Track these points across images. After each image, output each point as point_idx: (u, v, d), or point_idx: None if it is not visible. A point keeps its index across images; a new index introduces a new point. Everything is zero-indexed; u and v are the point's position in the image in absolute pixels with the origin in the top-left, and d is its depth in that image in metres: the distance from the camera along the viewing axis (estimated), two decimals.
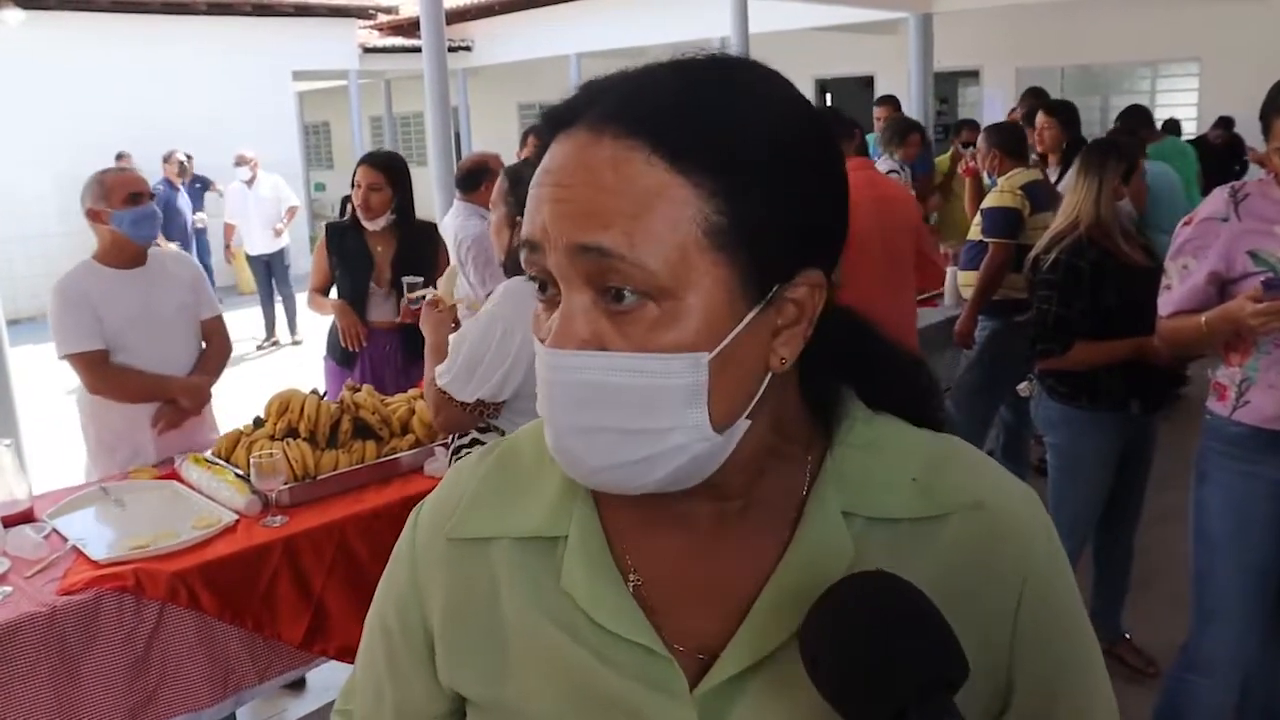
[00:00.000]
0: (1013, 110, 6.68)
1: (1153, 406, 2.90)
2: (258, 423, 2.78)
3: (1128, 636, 3.17)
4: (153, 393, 2.87)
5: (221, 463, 2.65)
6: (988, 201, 4.09)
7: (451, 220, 4.34)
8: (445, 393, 2.17)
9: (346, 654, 2.40)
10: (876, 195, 3.46)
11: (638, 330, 0.59)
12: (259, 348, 8.80)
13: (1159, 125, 6.83)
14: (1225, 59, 10.68)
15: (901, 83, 9.44)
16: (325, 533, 2.41)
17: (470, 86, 15.67)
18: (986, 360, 4.06)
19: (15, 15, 9.99)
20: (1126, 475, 2.99)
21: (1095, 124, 11.09)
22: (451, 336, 2.35)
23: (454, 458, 2.36)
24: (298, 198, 9.36)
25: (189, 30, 11.89)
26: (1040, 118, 4.70)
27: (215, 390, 3.05)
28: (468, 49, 14.75)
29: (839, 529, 0.67)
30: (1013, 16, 11.02)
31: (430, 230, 3.77)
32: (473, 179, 4.35)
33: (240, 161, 8.68)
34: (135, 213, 2.79)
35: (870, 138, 5.83)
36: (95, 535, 2.36)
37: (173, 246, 8.13)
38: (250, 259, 8.88)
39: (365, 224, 3.54)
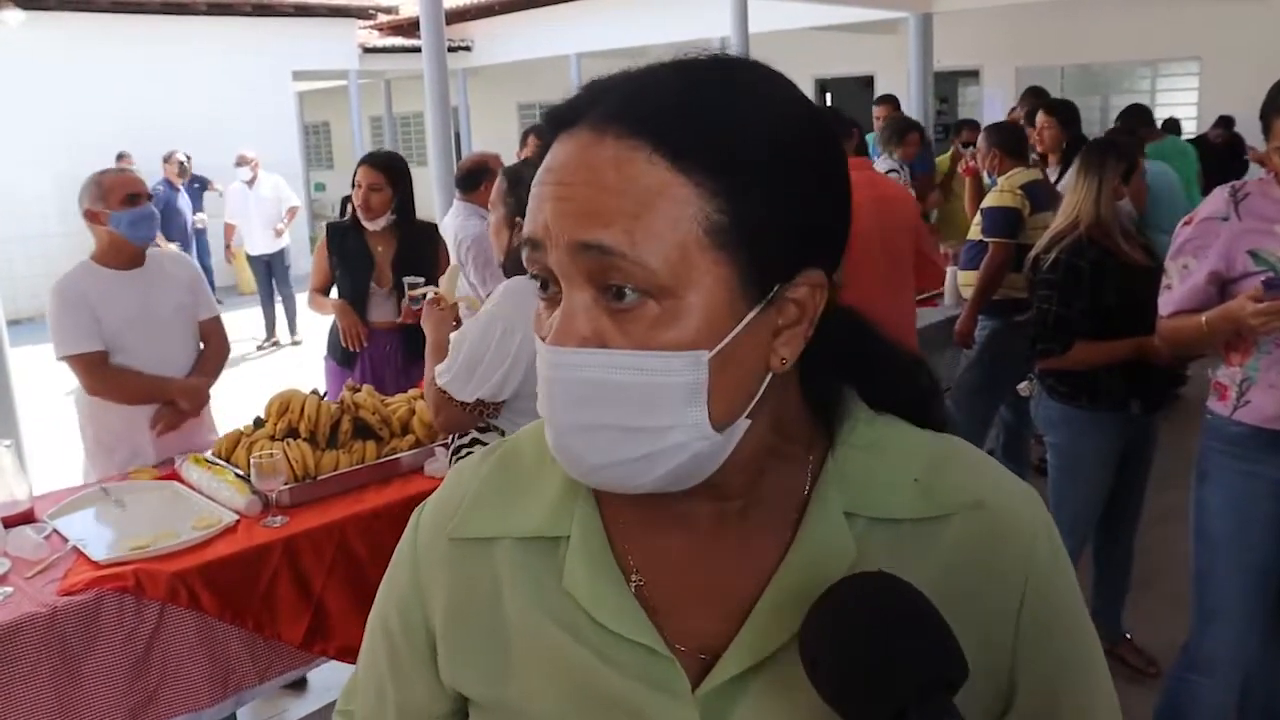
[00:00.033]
0: (1013, 110, 6.68)
1: (1153, 406, 2.90)
2: (258, 423, 2.78)
3: (1128, 636, 3.17)
4: (152, 394, 2.87)
5: (222, 463, 2.65)
6: (988, 201, 4.09)
7: (451, 220, 4.34)
8: (445, 392, 2.17)
9: (346, 654, 2.40)
10: (876, 195, 3.46)
11: (638, 328, 0.59)
12: (259, 348, 8.80)
13: (1159, 125, 6.82)
14: (1225, 58, 10.68)
15: (901, 82, 9.44)
16: (325, 533, 2.41)
17: (470, 86, 15.67)
18: (987, 360, 4.06)
19: (15, 16, 9.99)
20: (1127, 475, 2.99)
21: (1095, 123, 11.09)
22: (451, 336, 2.35)
23: (454, 458, 2.36)
24: (298, 198, 9.36)
25: (189, 30, 11.89)
26: (1040, 117, 4.70)
27: (214, 391, 3.05)
28: (468, 49, 14.75)
29: (841, 529, 0.67)
30: (1012, 16, 11.02)
31: (431, 230, 3.77)
32: (472, 179, 4.35)
33: (241, 161, 8.68)
34: (133, 214, 2.79)
35: (869, 137, 5.83)
36: (96, 536, 2.36)
37: (173, 247, 8.14)
38: (251, 259, 8.89)
39: (365, 224, 3.54)
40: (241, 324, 8.89)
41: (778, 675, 0.64)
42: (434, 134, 5.63)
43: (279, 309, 8.86)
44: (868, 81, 13.38)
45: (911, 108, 8.54)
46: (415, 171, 3.70)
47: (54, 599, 2.06)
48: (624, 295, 0.59)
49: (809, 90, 13.60)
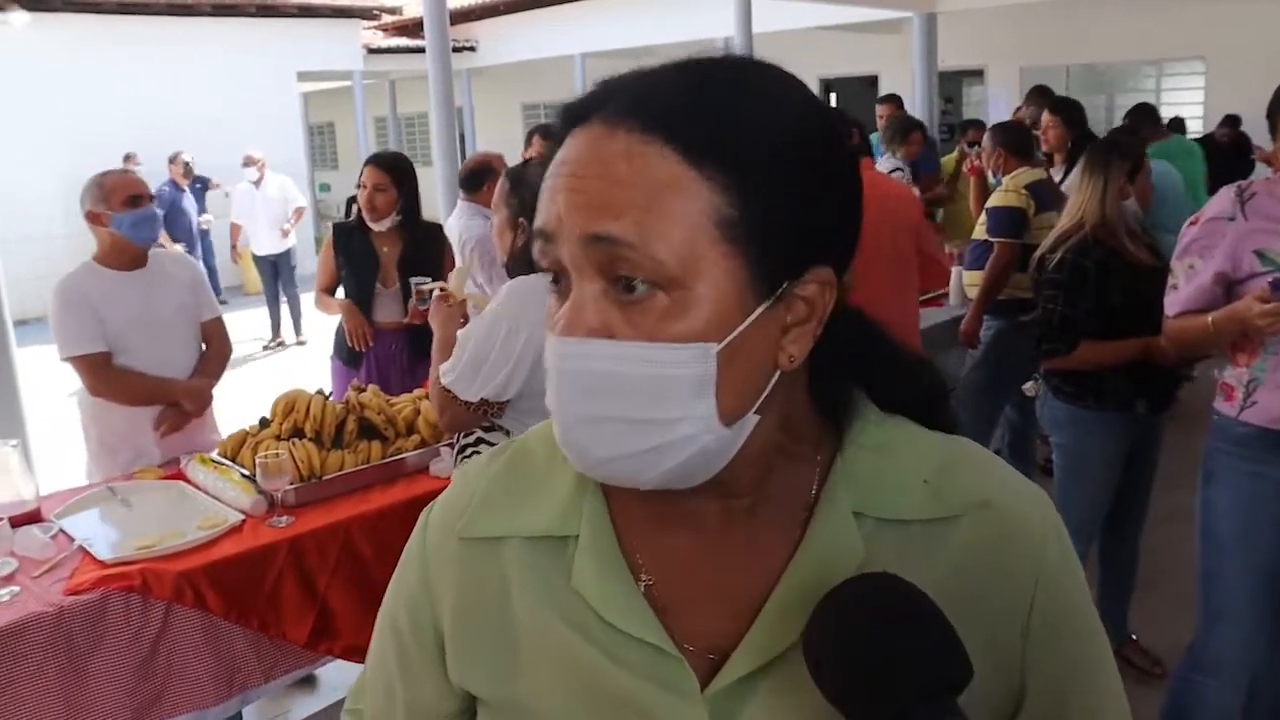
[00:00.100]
0: (1018, 109, 6.67)
1: (1158, 406, 2.90)
2: (263, 423, 2.78)
3: (1134, 637, 3.17)
4: (155, 395, 2.87)
5: (227, 463, 2.65)
6: (992, 201, 4.08)
7: (456, 221, 4.35)
8: (449, 391, 2.17)
9: (352, 653, 2.41)
10: (878, 194, 3.45)
11: (647, 320, 0.59)
12: (265, 348, 8.82)
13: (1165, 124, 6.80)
14: (1231, 57, 10.66)
15: (906, 82, 9.43)
16: (330, 533, 2.42)
17: (475, 87, 15.69)
18: (992, 360, 4.05)
19: (20, 17, 10.02)
20: (1132, 475, 2.98)
21: (1100, 123, 11.04)
22: (457, 334, 2.35)
23: (459, 457, 2.36)
24: (304, 198, 9.38)
25: (193, 31, 11.92)
26: (1045, 116, 4.70)
27: (218, 391, 3.05)
28: (472, 49, 14.77)
29: (850, 529, 0.67)
30: (1017, 16, 11.00)
31: (436, 231, 3.78)
32: (476, 179, 4.36)
33: (248, 162, 8.70)
34: (135, 215, 2.79)
35: (873, 137, 5.83)
36: (102, 535, 2.37)
37: (178, 248, 8.16)
38: (257, 259, 8.91)
39: (371, 225, 3.55)
40: (247, 324, 8.90)
41: (786, 675, 0.64)
42: (438, 134, 5.63)
43: (284, 309, 8.88)
44: (872, 81, 13.37)
45: (916, 107, 8.52)
46: (420, 172, 3.70)
47: (60, 598, 2.06)
48: (634, 287, 0.59)
49: (813, 90, 13.55)
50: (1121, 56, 12.03)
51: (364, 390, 2.89)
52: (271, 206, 8.64)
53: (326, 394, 2.83)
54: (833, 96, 14.15)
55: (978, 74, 13.39)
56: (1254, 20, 10.28)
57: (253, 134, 10.66)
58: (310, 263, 9.00)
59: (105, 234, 2.82)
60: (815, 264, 0.63)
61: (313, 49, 13.21)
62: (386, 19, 14.79)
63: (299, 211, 8.87)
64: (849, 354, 0.70)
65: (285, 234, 8.68)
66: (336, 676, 2.96)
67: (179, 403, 2.88)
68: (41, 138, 10.72)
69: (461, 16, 13.83)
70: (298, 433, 2.66)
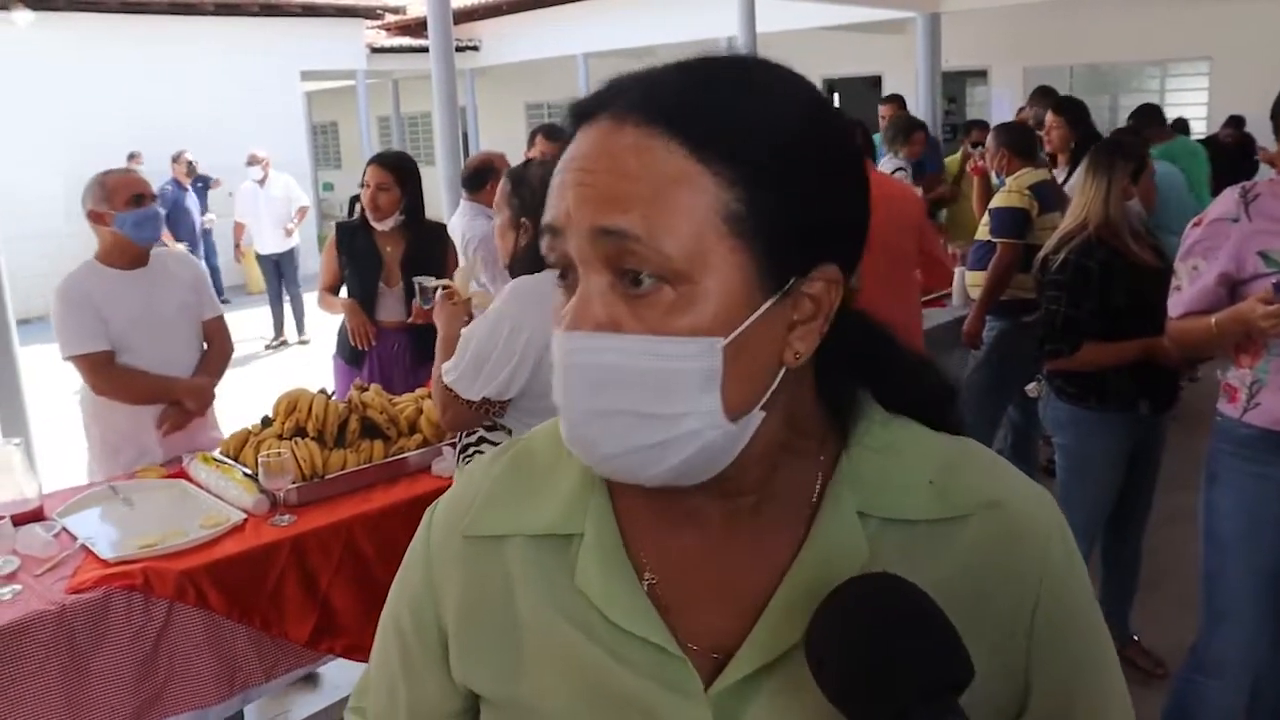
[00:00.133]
0: (1021, 110, 6.66)
1: (1161, 407, 2.89)
2: (266, 422, 2.78)
3: (1136, 638, 3.16)
4: (158, 394, 2.87)
5: (230, 462, 2.65)
6: (995, 201, 4.08)
7: (458, 220, 4.35)
8: (451, 390, 2.17)
9: (353, 652, 2.41)
10: (880, 194, 3.40)
11: (653, 314, 0.59)
12: (267, 347, 8.83)
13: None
14: (1235, 58, 10.64)
15: (909, 82, 9.42)
16: (332, 532, 2.42)
17: (478, 86, 15.69)
18: (995, 361, 4.05)
19: (24, 16, 10.04)
20: (1135, 476, 2.98)
21: (1104, 124, 10.99)
22: (461, 332, 2.35)
23: (461, 456, 2.36)
24: (307, 198, 9.39)
25: (196, 30, 11.93)
26: (1048, 116, 4.69)
27: (221, 390, 3.06)
28: (475, 49, 14.77)
29: (854, 529, 0.67)
30: (1021, 16, 10.98)
31: (440, 230, 3.77)
32: (478, 178, 4.36)
33: (253, 161, 8.71)
34: (138, 215, 2.79)
35: (875, 137, 5.82)
36: (104, 534, 2.37)
37: (181, 247, 8.16)
38: (260, 258, 8.92)
39: (374, 224, 3.55)
40: (250, 323, 8.91)
41: (790, 674, 0.64)
42: (442, 134, 5.63)
43: (287, 308, 8.89)
44: (876, 81, 13.36)
45: (919, 108, 8.51)
46: (423, 171, 3.70)
47: (62, 597, 2.07)
48: (640, 281, 0.59)
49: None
50: (1125, 57, 12.01)
51: (366, 389, 2.89)
52: (275, 206, 8.65)
53: (329, 393, 2.84)
54: (836, 97, 14.16)
55: (981, 74, 13.38)
56: (1259, 21, 10.26)
57: (256, 133, 10.67)
58: (313, 262, 9.01)
59: (107, 233, 2.81)
60: (822, 261, 0.63)
61: (316, 48, 13.21)
62: (390, 18, 14.79)
63: (302, 211, 8.88)
64: (855, 354, 0.71)
65: (289, 233, 8.69)
66: (338, 675, 2.96)
67: (181, 401, 2.88)
68: (44, 136, 10.74)
69: (465, 16, 13.83)
70: (300, 432, 2.66)
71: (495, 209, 2.43)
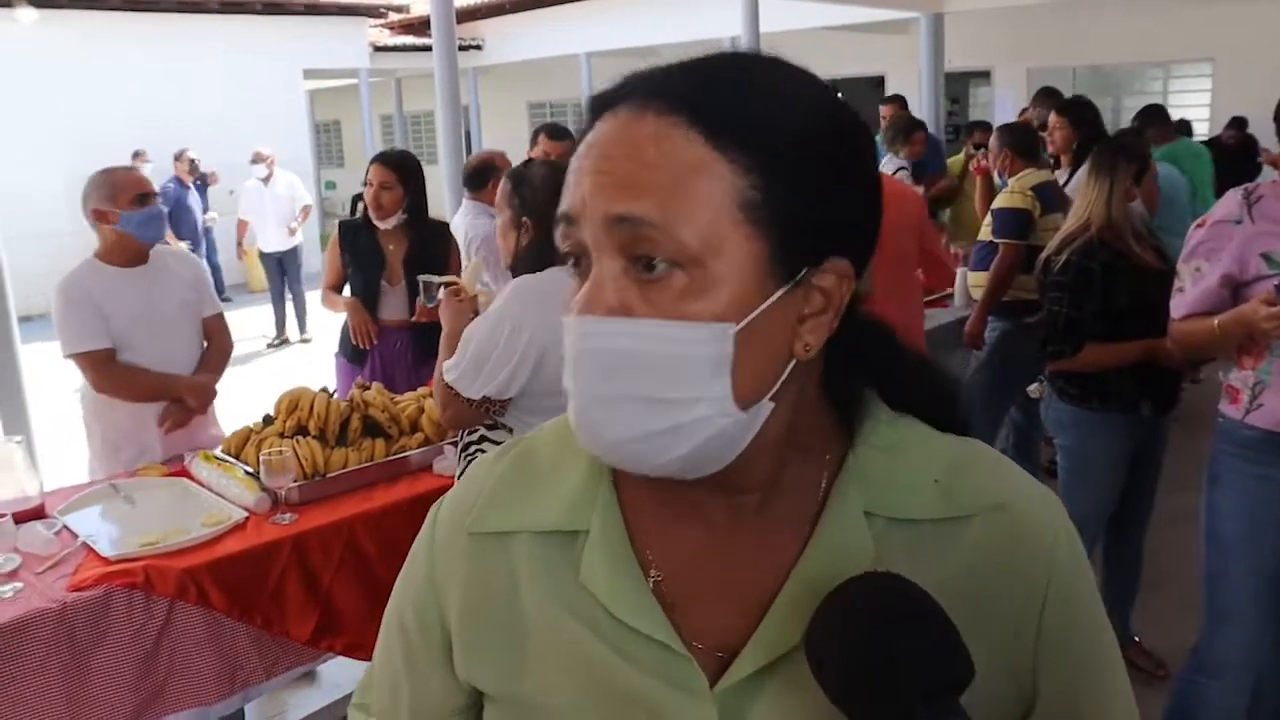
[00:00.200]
0: (1024, 110, 6.65)
1: (1163, 408, 2.89)
2: (267, 420, 2.79)
3: (1137, 639, 3.16)
4: (159, 391, 2.87)
5: (231, 460, 2.65)
6: (998, 202, 4.07)
7: (461, 219, 4.35)
8: (452, 388, 2.17)
9: (355, 650, 2.41)
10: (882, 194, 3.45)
11: (665, 298, 0.60)
12: (269, 345, 8.83)
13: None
14: (1238, 59, 10.63)
15: (912, 83, 9.42)
16: (334, 530, 2.42)
17: (481, 85, 15.69)
18: (997, 361, 4.05)
19: (28, 14, 10.04)
20: (1137, 477, 2.97)
21: (1107, 125, 10.99)
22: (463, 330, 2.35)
23: (463, 455, 2.36)
24: (310, 196, 9.39)
25: (200, 29, 11.93)
26: (1051, 117, 4.68)
27: (222, 388, 3.06)
28: (478, 48, 14.77)
29: (860, 528, 0.67)
30: (1024, 17, 10.98)
31: (443, 229, 3.77)
32: (480, 177, 4.35)
33: (257, 159, 8.71)
34: (143, 214, 2.79)
35: (876, 137, 5.82)
36: (105, 532, 2.37)
37: (183, 245, 8.17)
38: (263, 256, 8.92)
39: (377, 223, 3.55)
40: (252, 321, 8.92)
41: (795, 672, 0.64)
42: (444, 133, 5.63)
43: (289, 306, 8.89)
44: (879, 82, 13.35)
45: (922, 108, 8.51)
46: (425, 170, 3.69)
47: (64, 594, 2.07)
48: (654, 266, 0.60)
49: None
50: (1128, 58, 12.00)
51: (368, 388, 2.90)
52: (280, 204, 8.65)
53: (331, 391, 2.84)
54: (838, 97, 14.11)
55: (984, 75, 13.37)
56: (1262, 22, 10.25)
57: (258, 131, 10.67)
58: (315, 260, 9.02)
59: (109, 231, 2.81)
60: (834, 254, 0.63)
61: (319, 47, 13.22)
62: (393, 17, 14.79)
63: (306, 209, 8.89)
64: (862, 353, 0.71)
65: (293, 232, 8.70)
66: (338, 673, 2.96)
67: (183, 399, 2.89)
68: (47, 134, 10.74)
69: (468, 15, 13.84)
70: (302, 430, 2.66)
71: (496, 208, 2.43)
